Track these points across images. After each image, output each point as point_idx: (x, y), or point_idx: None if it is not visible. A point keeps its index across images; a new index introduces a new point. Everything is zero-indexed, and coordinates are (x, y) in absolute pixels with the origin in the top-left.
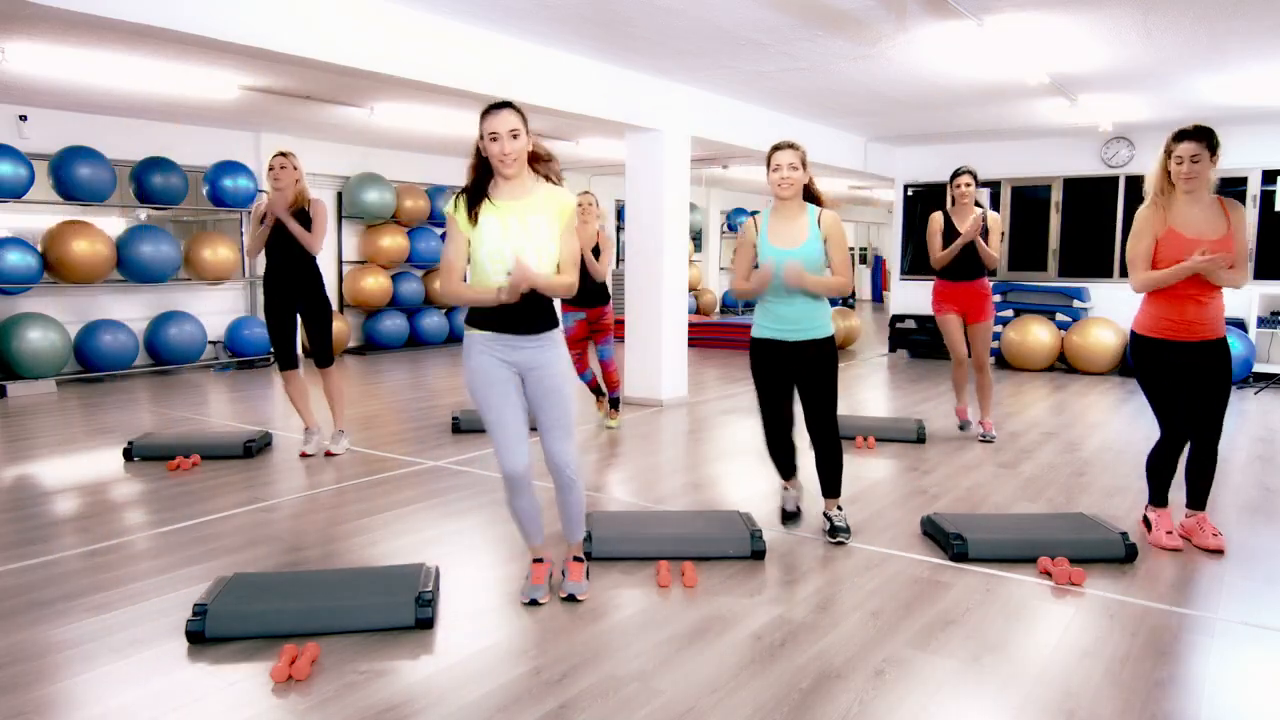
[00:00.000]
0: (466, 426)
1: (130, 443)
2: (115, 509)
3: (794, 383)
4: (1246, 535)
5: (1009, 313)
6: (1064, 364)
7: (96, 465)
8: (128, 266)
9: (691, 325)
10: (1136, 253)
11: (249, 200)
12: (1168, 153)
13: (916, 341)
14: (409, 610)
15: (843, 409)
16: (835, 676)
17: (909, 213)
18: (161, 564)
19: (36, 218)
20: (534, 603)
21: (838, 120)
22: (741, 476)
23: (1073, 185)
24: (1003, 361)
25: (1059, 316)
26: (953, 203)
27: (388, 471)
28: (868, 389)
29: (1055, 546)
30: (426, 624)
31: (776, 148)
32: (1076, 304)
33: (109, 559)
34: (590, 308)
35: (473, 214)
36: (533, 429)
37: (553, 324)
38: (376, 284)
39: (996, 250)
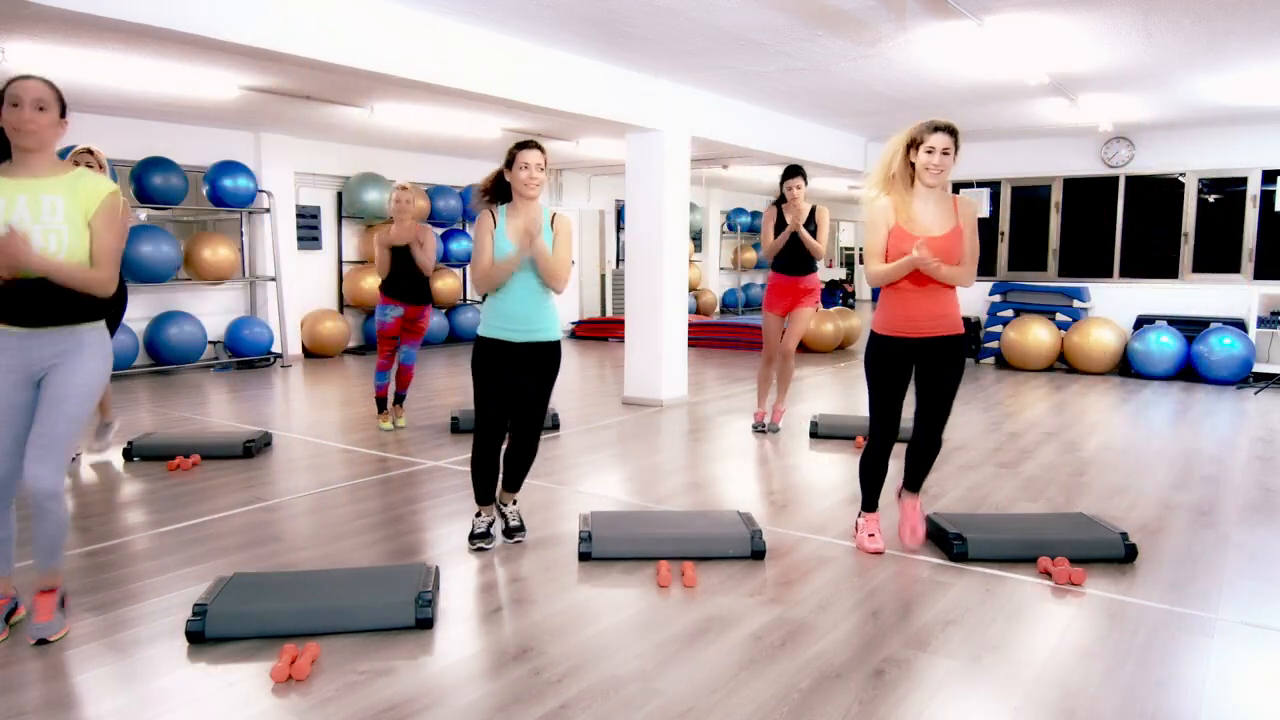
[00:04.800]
0: (466, 426)
1: (130, 443)
2: (115, 509)
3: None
4: (1246, 535)
5: (1009, 313)
6: (1064, 364)
7: (96, 465)
8: (128, 266)
9: (691, 325)
10: (872, 245)
11: (249, 200)
12: (915, 143)
13: None
14: (409, 610)
15: (843, 409)
16: (835, 676)
17: None
18: (161, 564)
19: None
20: None
21: (838, 120)
22: (741, 476)
23: (1073, 185)
24: (1003, 361)
25: (1059, 316)
26: (783, 199)
27: (388, 471)
28: (865, 389)
29: (1055, 546)
30: (426, 624)
31: (526, 145)
32: (1076, 304)
33: (109, 559)
34: (411, 304)
35: None
36: None
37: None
38: (376, 284)
39: (824, 243)
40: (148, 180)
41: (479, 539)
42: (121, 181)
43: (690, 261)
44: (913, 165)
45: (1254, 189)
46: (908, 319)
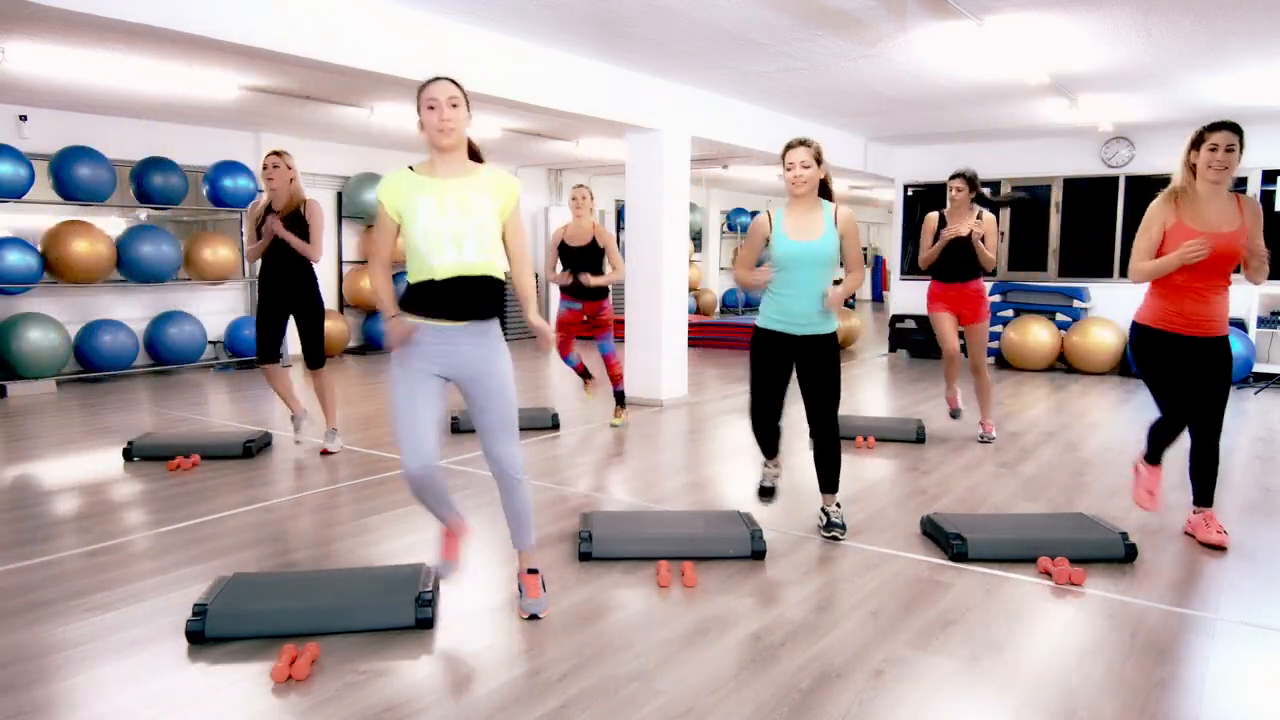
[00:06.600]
0: (466, 426)
1: (130, 443)
2: (115, 509)
3: (790, 374)
4: (1246, 535)
5: (1009, 313)
6: (1064, 364)
7: (96, 465)
8: (128, 266)
9: (691, 325)
10: (1138, 245)
11: (249, 200)
12: (1197, 143)
13: (916, 341)
14: (409, 610)
15: (843, 409)
16: (835, 676)
17: (909, 213)
18: (161, 564)
19: (36, 218)
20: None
21: (838, 120)
22: (741, 476)
23: (1073, 185)
24: (1003, 361)
25: (1059, 316)
26: (949, 205)
27: (388, 471)
28: (868, 389)
29: (1055, 546)
30: (426, 624)
31: (789, 145)
32: (1076, 304)
33: (109, 559)
34: (588, 300)
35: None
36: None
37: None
38: (376, 284)
39: (993, 251)
40: (148, 180)
41: (765, 494)
42: (121, 181)
43: (690, 261)
44: (1193, 167)
45: (1254, 189)
46: (1180, 314)
